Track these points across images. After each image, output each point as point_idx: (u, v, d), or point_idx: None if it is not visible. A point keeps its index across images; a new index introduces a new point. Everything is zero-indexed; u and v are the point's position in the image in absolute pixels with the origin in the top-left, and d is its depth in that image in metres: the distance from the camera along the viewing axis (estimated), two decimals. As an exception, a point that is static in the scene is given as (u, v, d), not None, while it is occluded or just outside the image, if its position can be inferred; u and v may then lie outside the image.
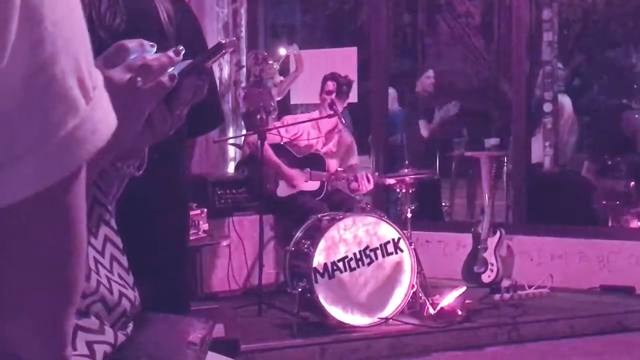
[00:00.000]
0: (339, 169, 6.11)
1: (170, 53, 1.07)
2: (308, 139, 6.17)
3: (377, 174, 6.25)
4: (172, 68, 1.07)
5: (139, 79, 1.03)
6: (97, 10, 1.43)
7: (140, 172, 1.21)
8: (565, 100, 8.40)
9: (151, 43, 1.08)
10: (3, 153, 0.65)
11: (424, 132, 8.55)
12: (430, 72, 9.32)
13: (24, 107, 0.65)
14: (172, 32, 1.51)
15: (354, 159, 6.36)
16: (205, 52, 1.12)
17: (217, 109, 1.77)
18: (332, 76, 6.24)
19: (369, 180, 5.81)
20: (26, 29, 0.64)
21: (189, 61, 1.09)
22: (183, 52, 1.08)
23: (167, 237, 1.59)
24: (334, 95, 6.10)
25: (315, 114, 6.29)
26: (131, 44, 1.06)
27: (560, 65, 8.55)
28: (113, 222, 1.19)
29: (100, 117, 0.69)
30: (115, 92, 1.02)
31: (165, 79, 1.05)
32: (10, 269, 0.69)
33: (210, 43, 1.75)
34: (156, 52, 1.08)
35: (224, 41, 1.11)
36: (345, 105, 6.35)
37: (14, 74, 0.64)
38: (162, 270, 1.56)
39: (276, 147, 6.09)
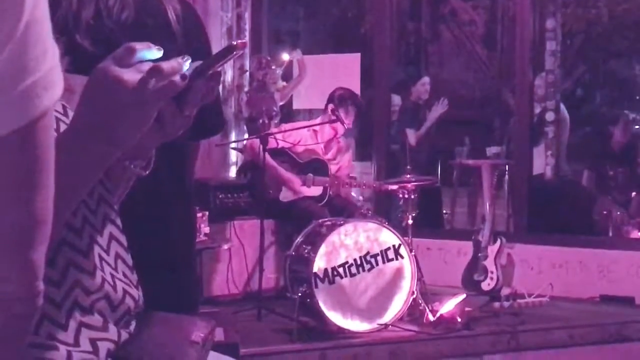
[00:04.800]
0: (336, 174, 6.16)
1: (180, 59, 1.07)
2: (305, 145, 6.18)
3: (375, 183, 6.32)
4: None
5: (150, 79, 1.04)
6: (105, 3, 1.45)
7: (147, 173, 1.21)
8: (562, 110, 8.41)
9: (158, 47, 1.08)
10: None
11: (411, 140, 8.49)
12: (426, 79, 9.29)
13: (8, 50, 0.72)
14: (179, 30, 1.52)
15: (349, 166, 6.42)
16: (216, 53, 1.12)
17: (219, 114, 1.77)
18: (354, 101, 6.19)
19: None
20: None
21: (199, 62, 1.10)
22: (189, 61, 1.08)
23: (174, 237, 1.60)
24: (352, 121, 6.14)
25: (317, 120, 6.30)
26: (139, 45, 1.06)
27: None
28: (118, 221, 1.19)
29: (59, 67, 0.78)
30: (126, 91, 1.03)
31: (177, 78, 1.06)
32: None
33: (214, 47, 1.76)
34: (163, 50, 1.09)
35: (235, 43, 1.11)
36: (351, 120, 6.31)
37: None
38: (171, 270, 1.57)
39: (278, 152, 6.10)
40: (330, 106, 6.10)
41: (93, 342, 1.09)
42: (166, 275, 1.54)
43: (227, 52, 1.11)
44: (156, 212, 1.55)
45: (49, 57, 0.77)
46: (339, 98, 6.13)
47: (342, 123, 6.04)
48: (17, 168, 0.77)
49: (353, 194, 6.36)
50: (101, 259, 1.13)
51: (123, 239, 1.20)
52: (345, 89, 6.28)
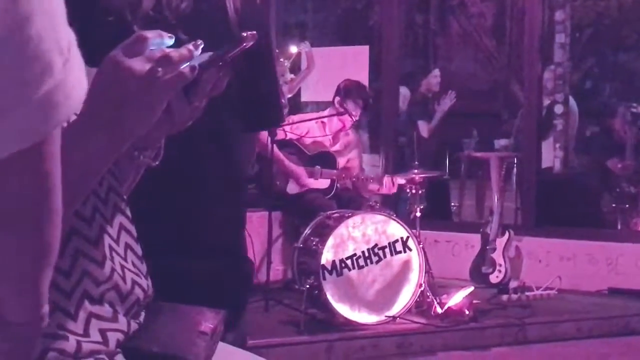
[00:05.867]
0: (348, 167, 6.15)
1: (190, 46, 1.07)
2: (314, 137, 6.18)
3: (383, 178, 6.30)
4: (193, 60, 1.07)
5: (159, 69, 1.04)
6: None
7: (157, 163, 1.21)
8: (572, 103, 8.40)
9: (169, 35, 1.08)
10: None
11: (424, 132, 8.49)
12: (437, 72, 9.29)
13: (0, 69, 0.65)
14: (236, 20, 1.53)
15: (358, 160, 6.39)
16: (225, 45, 1.12)
17: (277, 106, 1.78)
18: (360, 92, 6.18)
19: (393, 184, 5.89)
20: None
21: (209, 53, 1.10)
22: (202, 45, 1.08)
23: (224, 223, 1.61)
24: (360, 112, 6.13)
25: (325, 112, 6.29)
26: (150, 34, 1.06)
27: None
28: (128, 211, 1.19)
29: (73, 82, 0.70)
30: (135, 82, 1.02)
31: (186, 69, 1.05)
32: None
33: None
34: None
35: (244, 34, 1.11)
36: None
37: None
38: (219, 256, 1.59)
39: (286, 144, 6.10)
40: (337, 99, 6.09)
41: (103, 332, 1.09)
42: (216, 263, 1.56)
43: (237, 43, 1.12)
44: (207, 200, 1.57)
45: (52, 74, 0.69)
46: (345, 90, 6.13)
47: (350, 116, 6.04)
48: (27, 190, 0.73)
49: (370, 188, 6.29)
50: (111, 249, 1.13)
51: (132, 229, 1.20)
52: (352, 80, 6.27)
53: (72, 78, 0.70)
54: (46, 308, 0.80)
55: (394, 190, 5.99)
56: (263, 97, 1.66)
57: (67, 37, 0.71)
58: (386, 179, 5.96)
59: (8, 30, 0.65)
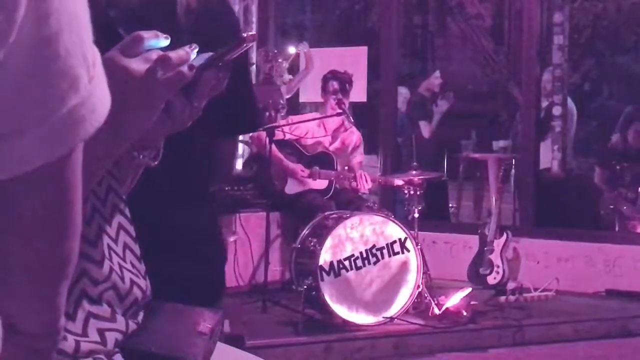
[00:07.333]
0: (346, 167, 6.14)
1: (187, 48, 1.07)
2: (314, 138, 6.17)
3: (379, 174, 6.27)
4: (194, 60, 1.07)
5: (158, 69, 1.04)
6: None
7: (156, 163, 1.21)
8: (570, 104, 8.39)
9: (165, 35, 1.08)
10: (7, 126, 0.66)
11: (425, 132, 8.49)
12: (438, 73, 9.30)
13: (27, 83, 0.66)
14: (187, 22, 1.45)
15: (359, 157, 6.37)
16: (226, 45, 1.12)
17: (253, 109, 1.74)
18: (333, 75, 6.23)
19: (367, 180, 5.90)
20: (33, 3, 0.64)
21: (209, 54, 1.10)
22: (196, 49, 1.08)
23: (194, 227, 1.59)
24: (339, 95, 6.10)
25: (325, 114, 6.29)
26: (146, 34, 1.06)
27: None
28: (127, 211, 1.19)
29: (99, 96, 0.71)
30: (134, 81, 1.02)
31: (184, 69, 1.05)
32: (9, 242, 0.71)
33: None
34: (166, 40, 1.08)
35: (245, 35, 1.11)
36: (349, 101, 6.32)
37: (19, 49, 0.65)
38: (191, 260, 1.57)
39: (285, 144, 6.09)
40: (335, 99, 6.08)
41: (101, 332, 1.09)
42: (187, 267, 1.54)
43: (237, 44, 1.11)
44: (173, 203, 1.55)
45: (78, 90, 0.69)
46: (323, 81, 6.21)
47: (349, 116, 6.04)
48: (49, 203, 0.73)
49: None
50: (110, 248, 1.13)
51: (131, 229, 1.20)
52: (329, 74, 6.28)
53: (98, 93, 0.71)
54: (62, 321, 0.80)
55: (369, 186, 6.02)
56: (238, 101, 1.60)
57: (93, 53, 0.72)
58: (359, 174, 5.97)
59: (37, 46, 0.66)
